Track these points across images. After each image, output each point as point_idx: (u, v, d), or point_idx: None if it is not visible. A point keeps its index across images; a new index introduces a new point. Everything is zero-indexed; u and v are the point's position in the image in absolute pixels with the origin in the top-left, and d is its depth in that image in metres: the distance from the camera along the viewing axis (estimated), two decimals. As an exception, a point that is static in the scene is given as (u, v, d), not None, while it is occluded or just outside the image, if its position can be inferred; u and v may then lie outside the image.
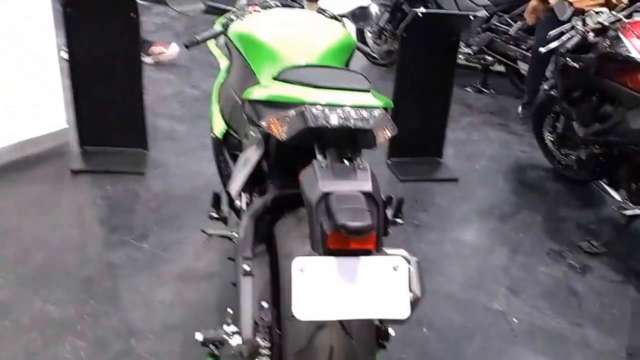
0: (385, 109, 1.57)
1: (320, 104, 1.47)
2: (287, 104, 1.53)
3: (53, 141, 3.63)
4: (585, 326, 2.62)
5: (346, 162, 1.49)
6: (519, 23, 5.36)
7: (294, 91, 1.55)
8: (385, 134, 1.54)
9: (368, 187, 1.39)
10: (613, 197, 3.33)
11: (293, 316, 1.36)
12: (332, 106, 1.47)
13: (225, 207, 1.89)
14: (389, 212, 1.77)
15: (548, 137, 4.05)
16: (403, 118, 3.85)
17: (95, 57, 3.40)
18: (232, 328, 1.60)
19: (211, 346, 1.70)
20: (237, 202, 1.96)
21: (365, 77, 1.64)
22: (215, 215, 1.93)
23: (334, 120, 1.45)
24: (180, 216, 3.07)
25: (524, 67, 5.43)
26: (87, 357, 2.13)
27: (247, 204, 1.93)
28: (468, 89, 5.72)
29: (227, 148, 2.33)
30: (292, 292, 1.29)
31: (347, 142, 1.52)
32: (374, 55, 2.98)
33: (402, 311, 1.35)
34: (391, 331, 1.78)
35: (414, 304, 1.47)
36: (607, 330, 2.60)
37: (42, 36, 3.46)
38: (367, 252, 1.34)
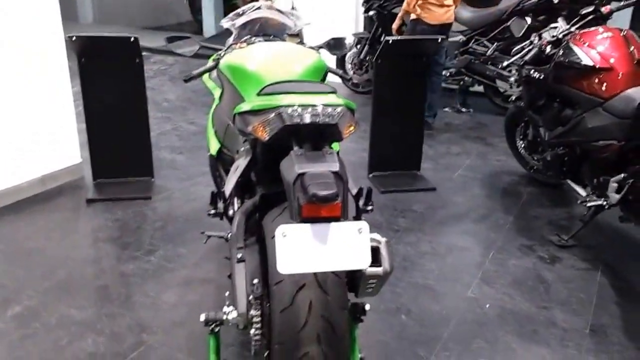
0: (350, 109, 1.89)
1: (294, 105, 1.77)
2: (267, 109, 1.83)
3: (70, 176, 4.06)
4: (552, 309, 2.85)
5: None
6: (496, 44, 5.69)
7: (272, 99, 1.86)
8: (349, 129, 1.85)
9: (335, 167, 1.68)
10: (579, 194, 3.55)
11: (278, 282, 1.67)
12: (304, 106, 1.77)
13: (220, 204, 2.16)
14: (360, 202, 2.07)
15: (520, 145, 4.35)
16: (382, 136, 4.21)
17: (106, 100, 3.82)
18: (230, 308, 1.89)
19: (212, 325, 2.02)
20: (230, 210, 2.27)
21: (332, 87, 1.96)
22: (212, 212, 2.19)
23: (306, 117, 1.75)
24: (182, 233, 3.42)
25: (501, 85, 5.76)
26: (106, 349, 2.46)
27: (239, 207, 2.24)
28: (447, 109, 6.02)
29: (221, 164, 2.66)
30: (276, 252, 1.57)
31: (318, 136, 1.81)
32: (346, 77, 3.30)
33: (364, 262, 1.64)
34: (367, 306, 2.09)
35: (385, 277, 1.79)
36: (573, 311, 2.83)
37: (58, 85, 3.93)
38: (336, 219, 1.64)
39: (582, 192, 3.54)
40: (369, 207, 2.11)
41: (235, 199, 2.25)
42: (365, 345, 2.49)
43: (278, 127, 1.77)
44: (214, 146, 2.65)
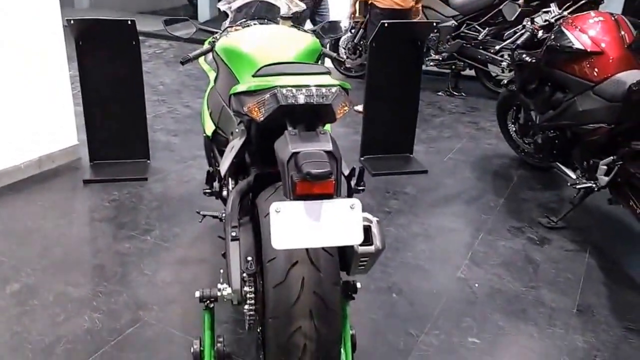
0: (344, 89, 1.93)
1: (289, 86, 1.80)
2: (262, 90, 1.86)
3: (67, 157, 4.10)
4: (540, 289, 2.90)
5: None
6: (488, 29, 5.73)
7: (268, 80, 1.88)
8: (343, 110, 1.88)
9: (328, 146, 1.70)
10: (569, 176, 3.59)
11: (272, 259, 1.71)
12: (298, 87, 1.80)
13: (216, 183, 2.20)
14: (352, 182, 2.10)
15: (511, 128, 4.40)
16: (374, 119, 4.25)
17: (103, 82, 3.85)
18: (224, 285, 1.94)
19: (207, 302, 2.08)
20: (224, 190, 2.32)
21: (326, 68, 2.00)
22: (208, 190, 2.23)
23: (301, 98, 1.78)
24: (178, 213, 3.46)
25: (493, 69, 5.80)
26: (103, 325, 2.51)
27: (233, 187, 2.28)
28: (440, 93, 6.08)
29: (216, 145, 2.69)
30: (270, 228, 1.60)
31: (312, 117, 1.84)
32: (340, 59, 3.33)
33: (357, 238, 1.67)
34: (358, 284, 2.15)
35: (376, 255, 1.83)
36: (561, 291, 2.89)
37: (56, 68, 3.95)
38: (329, 197, 1.66)
39: (572, 175, 3.58)
40: (361, 187, 2.14)
41: (230, 180, 2.29)
42: (356, 323, 2.54)
43: (273, 108, 1.80)
44: (209, 127, 2.69)
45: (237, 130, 2.26)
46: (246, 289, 1.86)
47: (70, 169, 4.05)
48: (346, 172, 2.09)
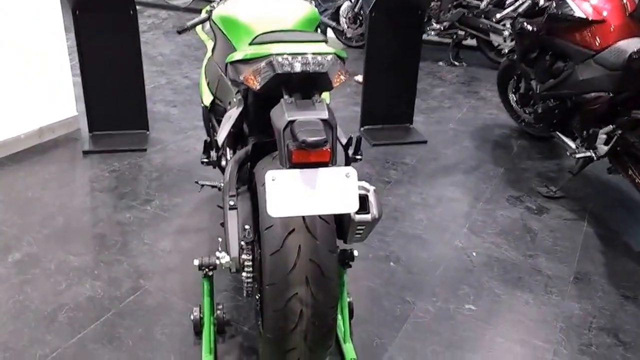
0: (341, 57, 1.93)
1: (285, 54, 1.80)
2: (258, 58, 1.86)
3: (66, 128, 4.11)
4: (537, 257, 2.93)
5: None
6: (489, -2, 5.70)
7: (264, 48, 1.88)
8: (339, 78, 1.88)
9: (324, 115, 1.70)
10: (569, 146, 3.59)
11: (269, 227, 1.72)
12: (294, 55, 1.79)
13: (213, 153, 2.20)
14: (350, 151, 2.11)
15: (512, 98, 4.38)
16: (374, 89, 4.24)
17: (101, 52, 3.83)
18: (222, 253, 1.96)
19: (206, 270, 2.11)
20: (223, 160, 2.32)
21: (323, 35, 1.99)
22: (206, 160, 2.23)
23: (297, 66, 1.78)
24: (177, 184, 3.48)
25: (495, 38, 5.75)
26: (104, 293, 2.54)
27: (231, 157, 2.29)
28: (441, 63, 6.04)
29: (214, 115, 2.70)
30: (265, 196, 1.62)
31: (308, 85, 1.84)
32: (339, 28, 3.29)
33: (352, 206, 1.67)
34: (355, 252, 2.17)
35: (373, 223, 1.84)
36: (558, 260, 2.91)
37: (53, 38, 3.94)
38: (325, 165, 1.67)
39: (572, 144, 3.58)
40: (358, 156, 2.15)
41: (228, 149, 2.30)
42: (354, 290, 2.59)
43: (269, 76, 1.80)
44: (207, 97, 2.69)
45: (234, 99, 2.26)
46: (244, 256, 1.88)
47: (70, 139, 4.06)
48: (344, 141, 2.10)
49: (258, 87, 1.85)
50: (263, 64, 1.82)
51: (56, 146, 3.95)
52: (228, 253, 1.92)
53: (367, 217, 1.84)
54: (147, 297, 2.53)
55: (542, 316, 2.52)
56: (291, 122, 1.67)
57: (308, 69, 1.79)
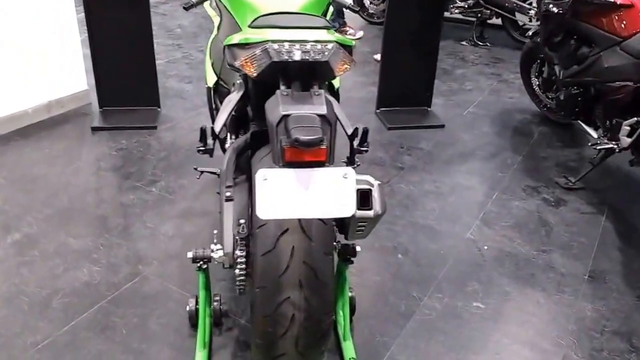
0: (346, 45, 1.82)
1: (281, 40, 1.70)
2: (255, 44, 1.75)
3: (76, 103, 4.05)
4: (552, 252, 2.82)
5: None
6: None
7: (261, 32, 1.78)
8: (343, 67, 1.77)
9: (322, 109, 1.60)
10: (591, 135, 3.48)
11: (262, 225, 1.63)
12: (292, 42, 1.69)
13: (210, 140, 2.03)
14: (355, 142, 1.98)
15: (534, 82, 4.24)
16: (392, 70, 4.11)
17: (111, 26, 3.73)
18: (217, 246, 1.88)
19: (200, 263, 2.04)
20: (226, 144, 2.23)
21: (326, 20, 1.87)
22: (202, 148, 2.07)
23: (295, 54, 1.67)
24: (185, 164, 3.41)
25: (521, 18, 5.57)
26: (101, 279, 2.49)
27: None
28: (464, 42, 5.87)
29: (218, 97, 2.60)
30: (256, 197, 1.52)
31: (308, 75, 1.74)
32: (354, 8, 3.14)
33: (349, 210, 1.57)
34: (358, 248, 2.09)
35: (375, 220, 1.75)
36: (573, 256, 2.80)
37: (63, 9, 3.85)
38: (321, 164, 1.57)
39: (594, 134, 3.47)
40: (364, 148, 2.03)
41: (229, 135, 2.21)
42: (359, 284, 2.52)
43: (265, 64, 1.70)
44: (211, 78, 2.60)
45: (237, 82, 2.17)
46: (238, 252, 1.80)
47: (80, 114, 4.01)
48: (349, 131, 1.98)
49: (255, 75, 1.75)
50: (258, 50, 1.71)
51: (65, 121, 3.90)
52: (222, 247, 1.85)
53: (370, 213, 1.74)
54: (145, 284, 2.47)
55: (552, 317, 2.42)
56: (285, 116, 1.56)
57: (307, 58, 1.68)
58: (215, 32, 2.71)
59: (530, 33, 4.14)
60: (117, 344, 2.16)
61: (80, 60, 4.05)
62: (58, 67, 3.90)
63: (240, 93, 2.04)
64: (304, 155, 1.54)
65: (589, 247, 2.88)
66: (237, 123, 2.17)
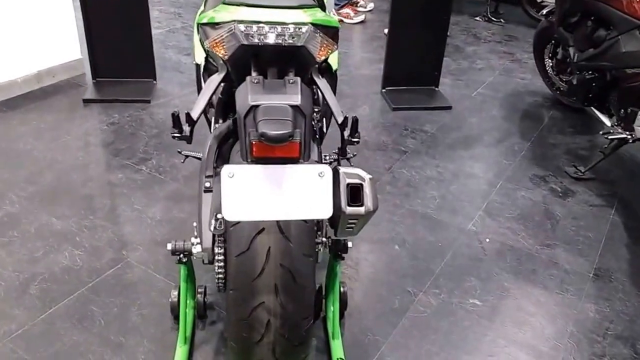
0: (330, 27, 1.67)
1: (249, 22, 1.56)
2: (222, 23, 1.63)
3: (68, 73, 3.90)
4: (556, 247, 2.69)
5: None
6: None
7: (230, 11, 1.64)
8: (324, 52, 1.62)
9: (295, 99, 1.46)
10: (604, 123, 3.34)
11: (235, 223, 1.50)
12: (260, 24, 1.55)
13: (185, 127, 1.85)
14: (346, 133, 1.82)
15: (548, 64, 4.07)
16: (399, 47, 3.94)
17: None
18: (197, 239, 1.75)
19: (180, 256, 1.91)
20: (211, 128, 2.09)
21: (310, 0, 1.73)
22: (177, 135, 1.89)
23: (267, 37, 1.54)
24: (177, 143, 3.20)
25: (538, -7, 5.37)
26: (83, 264, 2.39)
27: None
28: (478, 18, 5.67)
29: (207, 75, 2.46)
30: (221, 196, 1.39)
31: (284, 60, 1.60)
32: None
33: (325, 212, 1.45)
34: (349, 244, 1.97)
35: (367, 217, 1.61)
36: (578, 252, 2.67)
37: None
38: (294, 161, 1.44)
39: (607, 122, 3.32)
40: (355, 139, 1.88)
41: (213, 120, 2.07)
42: (352, 276, 2.41)
43: (234, 47, 1.56)
44: (199, 54, 2.45)
45: (220, 62, 2.02)
46: (216, 249, 1.68)
47: (72, 85, 3.87)
48: (339, 119, 1.84)
49: (227, 58, 1.61)
50: (225, 32, 1.57)
51: (56, 92, 3.77)
52: (200, 242, 1.72)
53: (361, 210, 1.59)
54: (128, 271, 2.37)
55: (553, 318, 2.30)
56: (254, 107, 1.43)
57: (280, 42, 1.53)
58: (202, 5, 2.57)
59: (545, 11, 3.97)
60: (94, 335, 2.06)
61: (73, 27, 3.89)
62: (49, 34, 3.73)
63: (222, 74, 1.86)
64: (275, 151, 1.42)
65: (595, 243, 2.75)
66: (224, 106, 2.02)
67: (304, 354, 1.67)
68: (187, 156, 2.26)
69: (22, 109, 3.55)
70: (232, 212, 1.40)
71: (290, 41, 1.54)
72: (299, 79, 1.55)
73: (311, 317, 1.63)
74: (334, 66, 2.21)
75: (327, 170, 1.44)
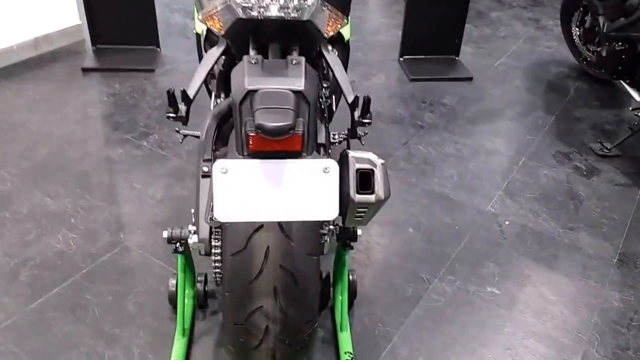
0: None
1: None
2: None
3: (67, 39, 3.74)
4: (579, 230, 2.55)
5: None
6: None
7: None
8: (333, 27, 1.47)
9: (298, 84, 1.30)
10: (633, 98, 3.17)
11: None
12: None
13: (181, 106, 1.67)
14: (356, 113, 1.67)
15: (575, 32, 3.87)
16: (418, 14, 3.76)
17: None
18: (193, 228, 1.61)
19: (177, 245, 1.77)
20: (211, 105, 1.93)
21: None
22: (173, 115, 1.67)
23: (268, 10, 1.39)
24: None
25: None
26: (77, 248, 2.26)
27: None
28: (502, -20, 5.43)
29: (208, 45, 2.29)
30: (213, 194, 1.24)
31: (288, 36, 1.45)
32: None
33: (330, 212, 1.29)
34: (359, 231, 1.82)
35: (378, 205, 1.46)
36: (602, 235, 2.53)
37: None
38: (295, 154, 1.29)
39: (637, 97, 3.16)
40: (366, 120, 1.70)
41: (214, 96, 1.90)
42: (362, 262, 2.28)
43: (231, 20, 1.41)
44: (200, 24, 2.28)
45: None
46: (213, 242, 1.55)
47: (71, 52, 3.71)
48: (350, 99, 1.66)
49: (223, 33, 1.45)
50: (221, 3, 1.42)
51: (54, 60, 3.61)
52: (197, 232, 1.58)
53: (371, 198, 1.41)
54: (125, 256, 2.24)
55: (575, 307, 2.16)
56: (251, 92, 1.27)
57: (282, 16, 1.37)
58: None
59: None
60: (87, 326, 1.94)
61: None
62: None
63: (222, 48, 1.69)
64: (274, 144, 1.25)
65: (620, 226, 2.60)
66: (226, 80, 1.84)
67: (307, 356, 1.54)
68: (185, 135, 2.10)
69: (18, 78, 3.40)
70: (225, 212, 1.24)
71: (294, 15, 1.38)
72: (303, 59, 1.38)
73: (315, 320, 1.49)
74: (346, 36, 2.03)
75: (333, 165, 1.27)
